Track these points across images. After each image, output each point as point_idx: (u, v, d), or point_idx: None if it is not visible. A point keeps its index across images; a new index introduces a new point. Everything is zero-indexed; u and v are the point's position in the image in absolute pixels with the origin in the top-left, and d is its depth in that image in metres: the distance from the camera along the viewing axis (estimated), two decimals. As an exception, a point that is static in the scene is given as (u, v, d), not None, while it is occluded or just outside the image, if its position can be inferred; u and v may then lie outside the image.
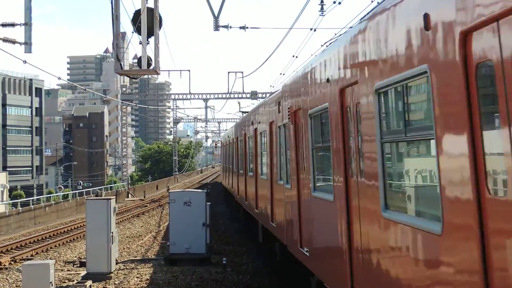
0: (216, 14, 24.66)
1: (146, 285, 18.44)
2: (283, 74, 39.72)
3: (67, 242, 29.66)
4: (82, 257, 23.35)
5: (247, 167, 25.95)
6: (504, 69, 4.35)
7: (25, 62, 24.60)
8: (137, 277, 19.53)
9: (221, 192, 53.66)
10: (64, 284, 19.00)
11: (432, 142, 5.58)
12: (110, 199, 20.58)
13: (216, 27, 24.81)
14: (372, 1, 20.09)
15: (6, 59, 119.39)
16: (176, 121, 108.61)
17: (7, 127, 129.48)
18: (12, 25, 23.49)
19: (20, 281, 18.13)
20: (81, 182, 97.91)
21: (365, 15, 8.22)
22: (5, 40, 23.21)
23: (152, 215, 43.15)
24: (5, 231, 38.15)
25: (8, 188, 79.87)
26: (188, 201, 22.07)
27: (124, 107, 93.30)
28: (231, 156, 35.79)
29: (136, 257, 24.13)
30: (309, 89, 11.38)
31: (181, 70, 65.19)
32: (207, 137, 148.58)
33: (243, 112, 45.48)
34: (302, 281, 13.38)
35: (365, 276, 7.87)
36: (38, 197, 63.77)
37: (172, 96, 78.66)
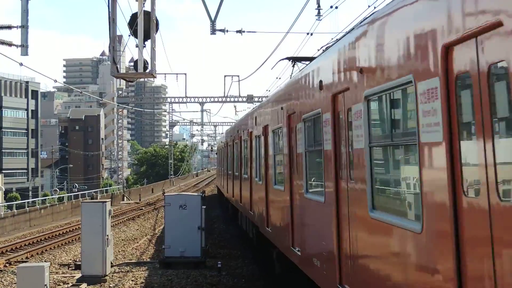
0: (213, 18, 24.71)
1: (141, 288, 18.45)
2: (279, 78, 39.77)
3: (62, 244, 29.63)
4: (77, 260, 23.34)
5: (252, 173, 20.75)
6: None
7: (21, 64, 24.62)
8: (132, 280, 19.53)
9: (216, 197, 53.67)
10: (59, 287, 18.99)
11: None
12: (106, 202, 20.58)
13: (213, 30, 24.86)
14: (369, 6, 20.17)
15: (2, 61, 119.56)
16: (172, 125, 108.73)
17: (3, 129, 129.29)
18: (9, 27, 23.50)
19: (15, 283, 18.10)
20: (76, 185, 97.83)
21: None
22: (2, 42, 23.21)
23: (148, 218, 43.12)
24: (0, 233, 38.08)
25: (3, 190, 79.74)
26: (183, 205, 22.08)
27: (120, 110, 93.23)
28: (228, 160, 32.81)
29: (131, 260, 24.12)
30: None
31: (177, 74, 65.27)
32: (203, 141, 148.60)
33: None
34: (300, 284, 13.39)
35: None
36: (33, 199, 63.62)
37: (168, 100, 78.82)
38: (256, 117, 19.45)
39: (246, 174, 22.96)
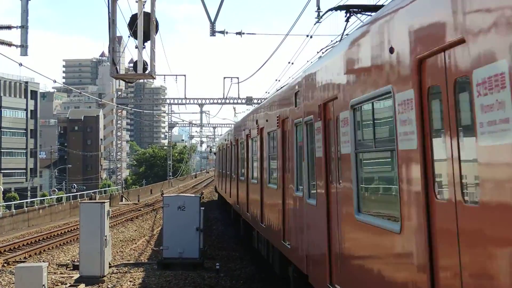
0: (212, 20, 24.73)
1: (139, 289, 18.47)
2: (279, 81, 39.78)
3: (60, 245, 29.62)
4: (75, 260, 23.34)
5: (286, 183, 14.29)
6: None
7: (21, 64, 24.64)
8: (130, 281, 19.53)
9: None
10: (57, 287, 19.00)
11: None
12: (104, 202, 20.60)
13: (213, 32, 24.87)
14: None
15: (2, 61, 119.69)
16: (171, 126, 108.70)
17: (2, 129, 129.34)
18: (9, 27, 23.52)
19: (13, 283, 18.11)
20: (75, 185, 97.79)
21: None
22: (1, 42, 23.23)
23: (146, 219, 43.12)
24: (-2, 233, 38.10)
25: (2, 190, 79.73)
26: (182, 206, 22.07)
27: (119, 111, 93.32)
28: (237, 162, 27.42)
29: (129, 261, 24.12)
30: None
31: (176, 75, 65.82)
32: (201, 142, 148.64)
33: None
34: None
35: None
36: (32, 199, 63.65)
37: (168, 101, 78.85)
38: (298, 93, 12.46)
39: (273, 183, 16.12)
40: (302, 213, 12.00)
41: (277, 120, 14.98)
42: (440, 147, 5.61)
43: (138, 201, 64.65)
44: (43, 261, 23.54)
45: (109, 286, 19.03)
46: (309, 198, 11.37)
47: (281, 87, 17.50)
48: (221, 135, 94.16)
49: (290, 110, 13.36)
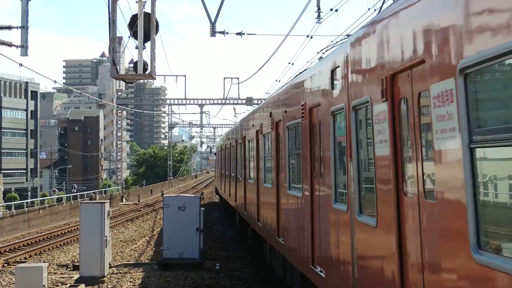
0: (212, 20, 24.73)
1: (139, 290, 18.47)
2: (279, 81, 39.77)
3: (60, 245, 29.62)
4: (76, 261, 23.34)
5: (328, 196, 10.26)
6: None
7: (21, 65, 24.63)
8: (130, 281, 19.54)
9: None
10: (57, 287, 19.01)
11: None
12: (104, 203, 20.61)
13: (213, 32, 24.86)
14: (369, 9, 20.21)
15: (2, 61, 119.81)
16: (171, 126, 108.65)
17: (2, 130, 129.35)
18: (9, 28, 23.52)
19: (13, 283, 18.12)
20: (75, 186, 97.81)
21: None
22: (1, 42, 23.22)
23: (146, 219, 43.11)
24: (-2, 233, 38.10)
25: (2, 190, 79.72)
26: (182, 206, 22.08)
27: (120, 111, 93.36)
28: (245, 162, 23.25)
29: (129, 261, 24.13)
30: None
31: (177, 75, 65.83)
32: (202, 142, 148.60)
33: None
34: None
35: None
36: (32, 199, 63.64)
37: (168, 101, 78.91)
38: (338, 70, 9.16)
39: (295, 189, 12.87)
40: (346, 234, 8.68)
41: (302, 109, 11.65)
42: None
43: (138, 201, 64.63)
44: (43, 262, 23.55)
45: (109, 286, 19.04)
46: (360, 214, 8.00)
47: (300, 72, 14.66)
48: (221, 135, 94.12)
49: (323, 94, 10.22)
